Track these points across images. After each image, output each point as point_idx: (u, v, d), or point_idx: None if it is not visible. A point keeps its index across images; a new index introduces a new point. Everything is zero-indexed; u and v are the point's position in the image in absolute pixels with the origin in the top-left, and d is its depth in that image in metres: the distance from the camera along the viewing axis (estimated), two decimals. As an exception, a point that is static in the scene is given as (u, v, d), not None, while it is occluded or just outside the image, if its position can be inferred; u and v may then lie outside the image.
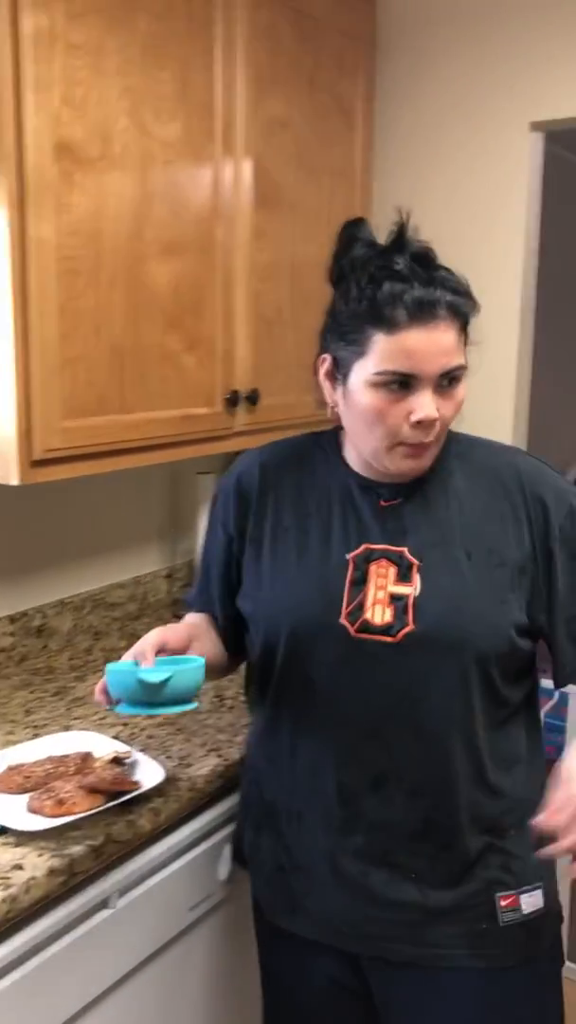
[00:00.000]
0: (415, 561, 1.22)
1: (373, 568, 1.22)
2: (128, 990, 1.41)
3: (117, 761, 1.46)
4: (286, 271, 2.14)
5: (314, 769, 1.27)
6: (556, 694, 2.24)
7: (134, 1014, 1.43)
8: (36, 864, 1.26)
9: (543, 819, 1.09)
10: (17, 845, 1.30)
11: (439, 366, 1.14)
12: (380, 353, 1.14)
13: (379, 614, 1.20)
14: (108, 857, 1.35)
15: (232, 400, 1.98)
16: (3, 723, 1.71)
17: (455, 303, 1.15)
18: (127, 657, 1.21)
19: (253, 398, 2.02)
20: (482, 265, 2.31)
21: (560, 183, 2.91)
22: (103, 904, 1.35)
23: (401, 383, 1.15)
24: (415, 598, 1.19)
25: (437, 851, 1.23)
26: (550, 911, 1.28)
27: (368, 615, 1.21)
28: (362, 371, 1.16)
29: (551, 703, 2.25)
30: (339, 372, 1.22)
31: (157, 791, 1.44)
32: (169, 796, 1.45)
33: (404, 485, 1.25)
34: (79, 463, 1.65)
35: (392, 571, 1.21)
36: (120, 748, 1.52)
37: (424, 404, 1.15)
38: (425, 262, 1.17)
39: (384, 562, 1.22)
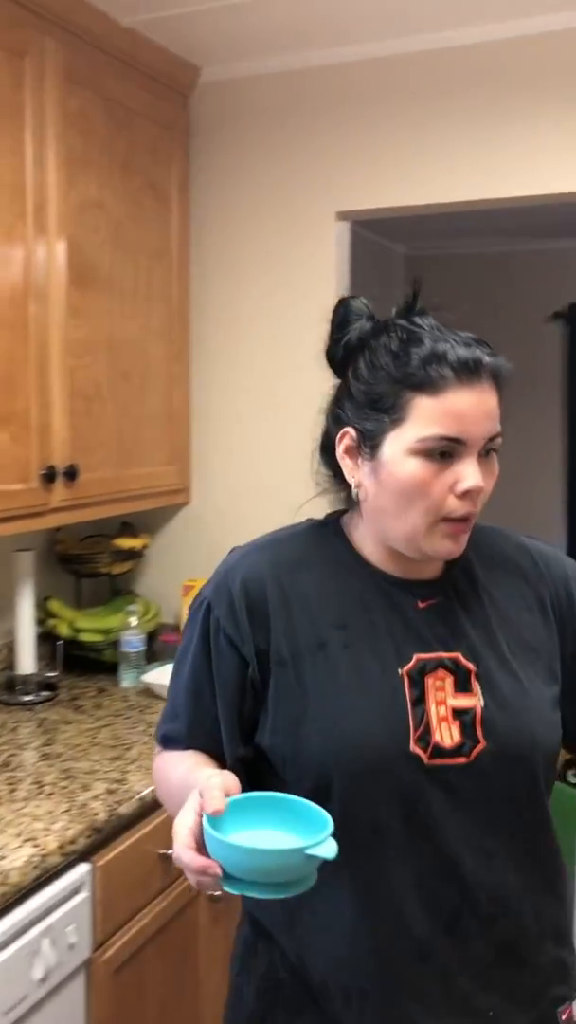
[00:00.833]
0: (471, 667, 1.08)
1: (430, 681, 1.07)
2: None
3: None
4: (104, 348, 2.16)
5: (389, 933, 1.06)
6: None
7: None
8: None
9: None
10: None
11: (486, 430, 1.03)
12: (424, 417, 1.02)
13: (447, 734, 1.05)
14: None
15: (49, 476, 1.96)
16: None
17: (496, 365, 1.05)
18: (187, 814, 0.91)
19: (71, 473, 2.01)
20: (295, 347, 2.41)
21: (369, 261, 3.09)
22: None
23: (444, 452, 1.02)
24: (482, 710, 1.06)
25: (512, 975, 1.10)
26: None
27: (437, 737, 1.05)
28: (400, 440, 1.03)
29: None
30: (366, 445, 1.07)
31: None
32: (-21, 891, 1.38)
33: (436, 581, 1.12)
34: None
35: (450, 681, 1.07)
36: None
37: (472, 472, 1.02)
38: (448, 325, 1.07)
39: (441, 672, 1.07)
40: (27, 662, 2.23)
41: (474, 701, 1.06)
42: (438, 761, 1.04)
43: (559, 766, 1.25)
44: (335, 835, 0.89)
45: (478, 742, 1.05)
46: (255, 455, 2.50)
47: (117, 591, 2.63)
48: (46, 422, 1.97)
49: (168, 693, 1.18)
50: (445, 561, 1.12)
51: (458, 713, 1.06)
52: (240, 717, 1.10)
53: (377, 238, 4.17)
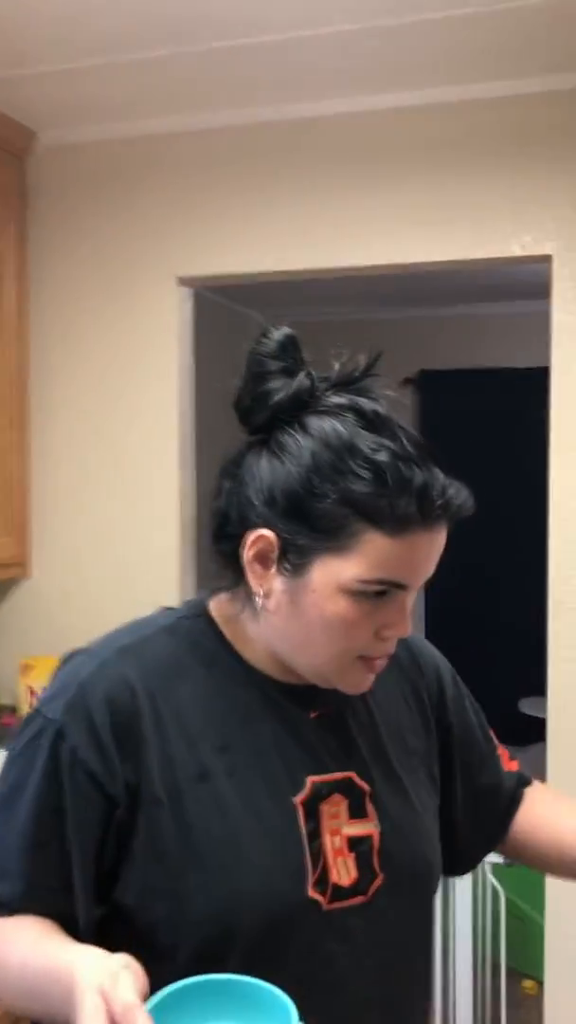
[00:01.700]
0: (365, 787, 0.94)
1: (325, 808, 0.92)
2: None
3: None
4: None
5: None
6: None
7: None
8: None
9: None
10: None
11: (428, 573, 0.88)
12: (372, 557, 0.84)
13: (343, 871, 0.91)
14: None
15: None
16: None
17: (469, 505, 0.87)
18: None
19: None
20: (137, 414, 2.35)
21: (223, 328, 3.08)
22: None
23: (380, 592, 0.86)
24: (379, 838, 0.93)
25: None
26: None
27: (335, 876, 0.90)
28: (335, 572, 0.85)
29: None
30: (288, 560, 0.87)
31: None
32: None
33: (325, 689, 0.94)
34: None
35: (344, 807, 0.93)
36: None
37: (403, 618, 0.89)
38: (407, 432, 0.87)
39: (336, 797, 0.93)
40: None
41: (370, 828, 0.93)
42: (336, 905, 0.90)
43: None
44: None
45: (375, 876, 0.93)
46: (100, 528, 2.40)
47: (-48, 671, 2.47)
48: None
49: None
50: None
51: (353, 843, 0.92)
52: (98, 871, 0.87)
53: (231, 303, 4.19)
